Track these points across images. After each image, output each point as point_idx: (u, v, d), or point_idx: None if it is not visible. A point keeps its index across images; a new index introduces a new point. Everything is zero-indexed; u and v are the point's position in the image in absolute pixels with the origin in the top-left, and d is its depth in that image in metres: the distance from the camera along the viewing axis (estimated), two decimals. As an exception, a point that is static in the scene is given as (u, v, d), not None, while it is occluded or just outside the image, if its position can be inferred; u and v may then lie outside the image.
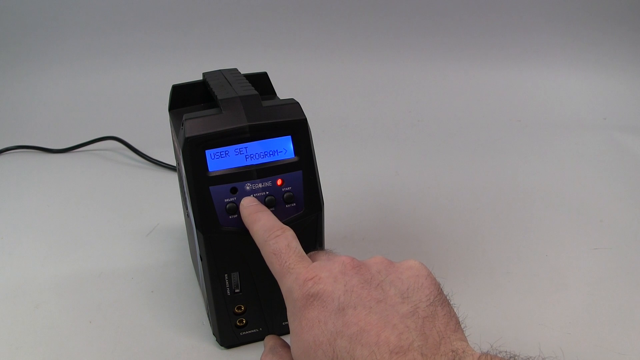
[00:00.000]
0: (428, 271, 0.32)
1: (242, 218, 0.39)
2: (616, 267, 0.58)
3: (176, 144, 0.45)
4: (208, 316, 0.49)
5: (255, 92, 0.42)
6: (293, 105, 0.41)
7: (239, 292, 0.43)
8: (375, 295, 0.30)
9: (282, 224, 0.36)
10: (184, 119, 0.39)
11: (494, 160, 0.84)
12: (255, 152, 0.40)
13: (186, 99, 0.50)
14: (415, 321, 0.28)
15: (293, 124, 0.40)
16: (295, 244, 0.35)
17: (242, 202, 0.39)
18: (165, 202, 0.71)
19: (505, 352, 0.28)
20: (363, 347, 0.27)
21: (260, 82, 0.50)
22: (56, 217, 0.70)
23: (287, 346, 0.37)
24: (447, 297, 0.31)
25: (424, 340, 0.27)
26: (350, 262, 0.32)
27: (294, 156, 0.40)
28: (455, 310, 0.31)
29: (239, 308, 0.44)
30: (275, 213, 0.39)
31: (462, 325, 0.30)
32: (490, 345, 0.31)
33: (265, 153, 0.40)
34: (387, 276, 0.31)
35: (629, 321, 0.50)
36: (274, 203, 0.40)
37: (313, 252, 0.37)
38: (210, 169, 0.39)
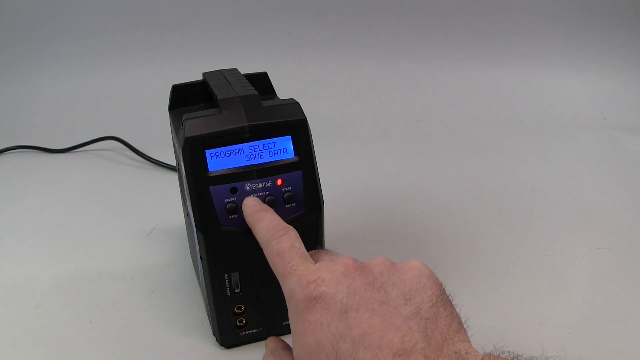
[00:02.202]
0: (430, 271, 0.32)
1: (245, 217, 0.39)
2: (616, 267, 0.58)
3: (176, 144, 0.45)
4: (208, 316, 0.49)
5: (255, 92, 0.42)
6: (293, 105, 0.41)
7: (239, 292, 0.43)
8: (378, 297, 0.30)
9: (285, 223, 0.36)
10: (184, 119, 0.39)
11: (494, 160, 0.84)
12: (255, 152, 0.40)
13: (186, 99, 0.50)
14: (418, 322, 0.28)
15: (293, 124, 0.40)
16: (299, 244, 0.34)
17: (245, 201, 0.39)
18: (165, 202, 0.71)
19: (509, 352, 0.28)
20: (366, 349, 0.27)
21: (260, 82, 0.50)
22: (56, 217, 0.70)
23: (288, 348, 0.37)
24: (450, 297, 0.31)
25: (426, 342, 0.27)
26: (352, 264, 0.32)
27: (294, 156, 0.40)
28: (457, 311, 0.31)
29: (239, 308, 0.44)
30: (275, 213, 0.39)
31: (465, 326, 0.30)
32: (493, 346, 0.31)
33: (265, 153, 0.40)
34: (390, 277, 0.31)
35: (629, 321, 0.50)
36: (274, 203, 0.40)
37: (314, 251, 0.37)
38: (210, 169, 0.39)
